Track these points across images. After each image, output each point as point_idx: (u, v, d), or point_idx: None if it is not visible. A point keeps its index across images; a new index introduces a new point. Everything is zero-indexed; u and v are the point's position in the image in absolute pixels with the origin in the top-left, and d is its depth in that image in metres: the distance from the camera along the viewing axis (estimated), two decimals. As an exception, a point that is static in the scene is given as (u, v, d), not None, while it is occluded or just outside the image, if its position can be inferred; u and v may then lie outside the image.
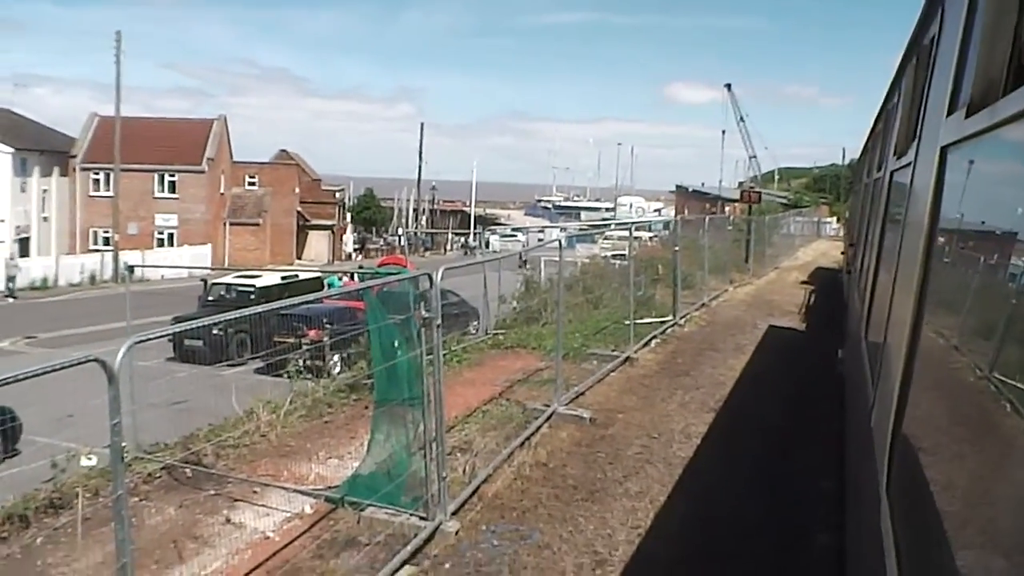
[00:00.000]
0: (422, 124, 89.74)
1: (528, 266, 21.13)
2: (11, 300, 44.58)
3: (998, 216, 2.28)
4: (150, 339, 5.79)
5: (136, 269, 32.85)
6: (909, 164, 4.68)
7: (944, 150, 3.09)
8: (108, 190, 58.33)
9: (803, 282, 30.62)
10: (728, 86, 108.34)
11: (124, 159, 55.47)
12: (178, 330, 6.97)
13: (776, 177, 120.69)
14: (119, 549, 5.03)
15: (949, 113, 3.07)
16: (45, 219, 57.58)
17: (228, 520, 8.27)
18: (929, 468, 2.67)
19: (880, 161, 9.80)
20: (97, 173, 60.17)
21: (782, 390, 13.59)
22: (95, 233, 60.02)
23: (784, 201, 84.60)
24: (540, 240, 36.05)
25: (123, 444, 4.99)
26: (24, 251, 53.31)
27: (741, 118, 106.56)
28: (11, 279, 46.06)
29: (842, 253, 30.66)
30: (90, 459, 7.44)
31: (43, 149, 57.98)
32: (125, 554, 4.98)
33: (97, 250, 57.34)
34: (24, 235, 54.27)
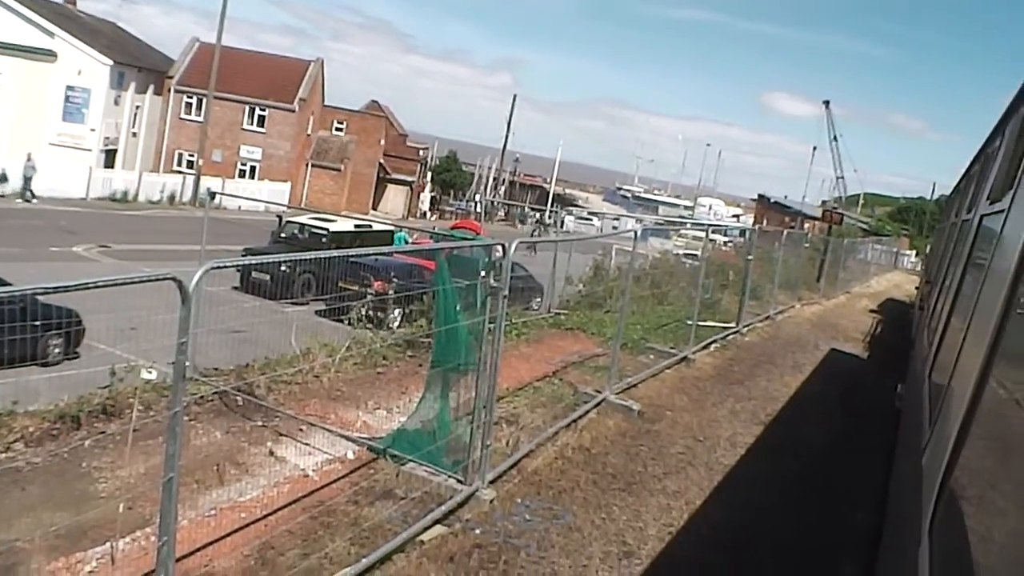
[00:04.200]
0: (515, 96, 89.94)
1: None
2: (31, 202, 41.96)
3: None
4: (226, 266, 5.92)
5: (216, 196, 33.41)
6: (1002, 211, 4.60)
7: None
8: (199, 115, 58.95)
9: (872, 310, 30.17)
10: (826, 103, 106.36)
11: (219, 87, 55.96)
12: (254, 263, 7.12)
13: (860, 201, 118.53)
14: (167, 463, 5.14)
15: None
16: (134, 135, 58.24)
17: (271, 453, 8.44)
18: (977, 515, 2.67)
19: (971, 203, 9.60)
20: (190, 97, 60.88)
21: (834, 415, 13.43)
22: (180, 155, 60.86)
23: (865, 226, 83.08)
24: (615, 227, 35.92)
25: (186, 363, 5.09)
26: (110, 163, 54.07)
27: (835, 137, 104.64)
28: (27, 179, 43.23)
29: (916, 288, 30.14)
30: (150, 372, 7.59)
31: (141, 66, 58.63)
32: (173, 468, 5.10)
33: (180, 172, 58.00)
34: (112, 147, 54.91)
